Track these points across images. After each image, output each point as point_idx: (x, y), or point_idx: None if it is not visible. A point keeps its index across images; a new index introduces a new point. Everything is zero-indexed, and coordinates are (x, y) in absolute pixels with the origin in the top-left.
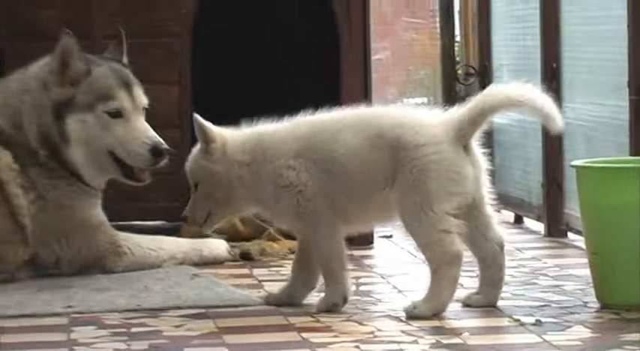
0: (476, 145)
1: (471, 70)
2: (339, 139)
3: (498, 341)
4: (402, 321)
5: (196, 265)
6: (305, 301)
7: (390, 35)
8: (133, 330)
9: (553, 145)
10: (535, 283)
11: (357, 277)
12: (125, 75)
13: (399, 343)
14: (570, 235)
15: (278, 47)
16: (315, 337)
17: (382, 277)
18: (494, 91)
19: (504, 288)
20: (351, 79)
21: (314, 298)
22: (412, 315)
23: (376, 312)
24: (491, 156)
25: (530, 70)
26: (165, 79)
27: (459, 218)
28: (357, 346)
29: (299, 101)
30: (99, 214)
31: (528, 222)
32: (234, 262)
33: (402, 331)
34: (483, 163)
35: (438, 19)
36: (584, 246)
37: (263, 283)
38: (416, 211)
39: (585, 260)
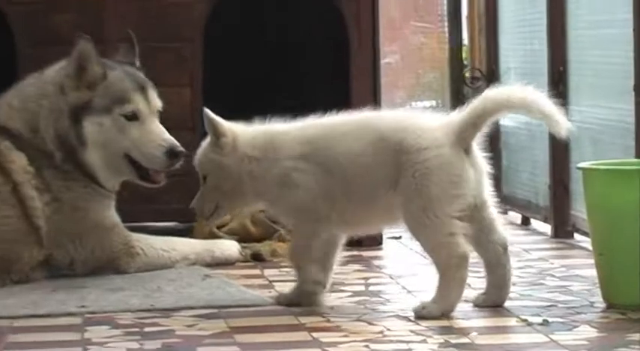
0: (477, 148)
1: (479, 74)
2: (342, 143)
3: (506, 341)
4: (411, 321)
5: (208, 265)
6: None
7: (399, 39)
8: (146, 329)
9: (560, 147)
10: (542, 284)
11: (367, 278)
12: (140, 78)
13: (408, 342)
14: (577, 236)
15: (291, 50)
16: (325, 337)
17: (391, 278)
18: (494, 93)
19: (512, 288)
20: (360, 83)
21: (325, 297)
22: (421, 315)
23: (385, 312)
24: (498, 158)
25: (537, 73)
26: (177, 82)
27: (463, 220)
28: (367, 346)
29: (310, 104)
30: (113, 215)
31: (535, 223)
32: (245, 263)
33: (411, 331)
34: (484, 165)
35: (446, 24)
36: (590, 247)
37: (274, 283)
38: (420, 215)
39: (591, 261)
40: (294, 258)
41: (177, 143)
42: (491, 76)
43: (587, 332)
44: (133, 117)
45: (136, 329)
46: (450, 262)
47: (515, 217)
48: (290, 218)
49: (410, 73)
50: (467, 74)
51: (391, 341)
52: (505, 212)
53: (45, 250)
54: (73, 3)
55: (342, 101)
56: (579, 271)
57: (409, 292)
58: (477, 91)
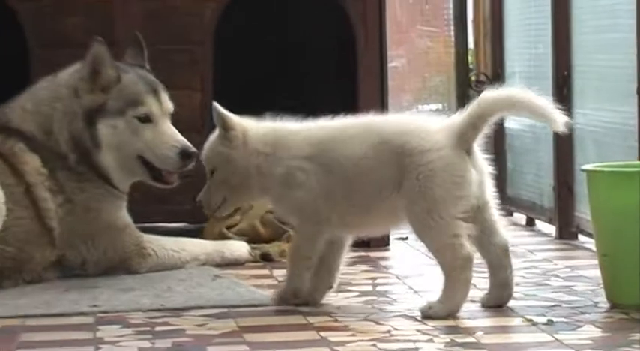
0: (478, 149)
1: (485, 77)
2: (346, 146)
3: (511, 340)
4: (417, 320)
5: (218, 266)
6: (323, 301)
7: (406, 43)
8: (157, 329)
9: (564, 149)
10: (547, 284)
11: (374, 278)
12: (152, 81)
13: (414, 341)
14: (581, 237)
15: (295, 50)
16: (333, 336)
17: (398, 278)
18: (490, 95)
19: (517, 288)
20: (367, 86)
21: (332, 297)
22: (427, 315)
23: (392, 311)
24: (503, 161)
25: (541, 77)
26: (188, 85)
27: (467, 221)
28: (374, 345)
29: (316, 105)
30: (124, 216)
31: (540, 224)
32: (254, 263)
33: (418, 330)
34: (486, 167)
35: (452, 28)
36: (594, 248)
37: (283, 283)
38: (425, 217)
39: (595, 261)
40: (293, 259)
41: (190, 144)
42: (497, 80)
43: (590, 332)
44: (146, 119)
45: (147, 328)
46: (454, 263)
47: (520, 218)
48: (292, 217)
49: (416, 77)
50: (473, 78)
51: (398, 340)
52: (510, 213)
53: (57, 250)
54: (83, 5)
55: (349, 103)
56: (583, 271)
57: (416, 292)
58: None
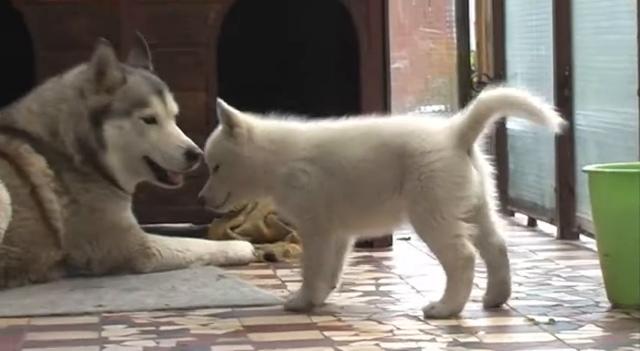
0: (479, 150)
1: (487, 79)
2: (347, 148)
3: (513, 339)
4: (420, 320)
5: (222, 266)
6: (327, 301)
7: (409, 45)
8: (162, 328)
9: (565, 150)
10: (548, 284)
11: (377, 278)
12: (157, 82)
13: (417, 341)
14: (582, 237)
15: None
16: (336, 336)
17: (401, 278)
18: (488, 95)
19: (519, 288)
20: (370, 88)
21: (336, 297)
22: (430, 315)
23: (395, 311)
24: (505, 161)
25: (543, 78)
26: (193, 86)
27: (468, 222)
28: (377, 344)
29: (322, 108)
30: (129, 216)
31: (542, 225)
32: (258, 263)
33: (421, 330)
34: (487, 167)
35: (454, 30)
36: (595, 248)
37: (286, 283)
38: (427, 218)
39: (597, 262)
40: (306, 270)
41: (195, 145)
42: (499, 81)
43: (592, 331)
44: (152, 120)
45: (152, 328)
46: (456, 264)
47: (522, 218)
48: (293, 218)
49: (419, 78)
50: (475, 79)
51: (401, 340)
52: (512, 214)
53: (62, 250)
54: (89, 8)
55: (352, 104)
56: (585, 271)
57: (418, 292)
58: None
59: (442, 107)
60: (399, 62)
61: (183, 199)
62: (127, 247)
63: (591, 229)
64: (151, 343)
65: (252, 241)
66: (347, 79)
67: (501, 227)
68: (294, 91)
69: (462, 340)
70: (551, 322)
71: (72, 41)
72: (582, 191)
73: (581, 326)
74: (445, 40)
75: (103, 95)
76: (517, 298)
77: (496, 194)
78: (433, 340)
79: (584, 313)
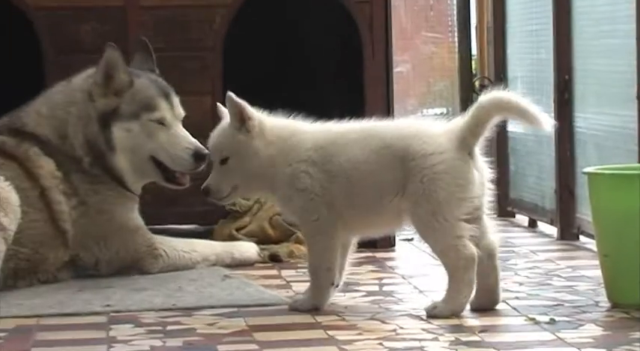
0: (479, 153)
1: (488, 82)
2: (348, 151)
3: (514, 339)
4: (422, 319)
5: (228, 266)
6: (331, 301)
7: (411, 49)
8: (169, 328)
9: (566, 153)
10: (549, 284)
11: (380, 278)
12: (164, 85)
13: (420, 340)
14: (582, 238)
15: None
16: (340, 335)
17: (403, 278)
18: (485, 99)
19: (520, 288)
20: (373, 91)
21: (340, 297)
22: (432, 314)
23: (398, 311)
24: (506, 163)
25: (543, 81)
26: (199, 90)
27: (469, 223)
28: (381, 343)
29: (324, 109)
30: (137, 217)
31: (542, 226)
32: (263, 264)
33: (423, 329)
34: (486, 170)
35: (456, 34)
36: (595, 248)
37: (291, 283)
38: (429, 219)
39: (596, 262)
40: (314, 273)
41: (202, 146)
42: (500, 85)
43: (592, 330)
44: (159, 123)
45: (159, 328)
46: (458, 264)
47: (523, 219)
48: (296, 219)
49: (421, 82)
50: (476, 83)
51: (404, 339)
52: (512, 215)
53: (70, 251)
54: (97, 13)
55: (355, 107)
56: (585, 271)
57: (421, 292)
58: None
59: (444, 110)
60: (401, 66)
61: (189, 201)
62: (134, 248)
63: (591, 230)
64: (158, 343)
65: (258, 242)
66: (351, 82)
67: (494, 232)
68: (298, 94)
69: (463, 339)
70: (552, 321)
71: (80, 45)
72: (582, 193)
73: (581, 325)
74: (447, 44)
75: (111, 98)
76: (518, 298)
77: (497, 196)
78: (435, 339)
79: (584, 312)
